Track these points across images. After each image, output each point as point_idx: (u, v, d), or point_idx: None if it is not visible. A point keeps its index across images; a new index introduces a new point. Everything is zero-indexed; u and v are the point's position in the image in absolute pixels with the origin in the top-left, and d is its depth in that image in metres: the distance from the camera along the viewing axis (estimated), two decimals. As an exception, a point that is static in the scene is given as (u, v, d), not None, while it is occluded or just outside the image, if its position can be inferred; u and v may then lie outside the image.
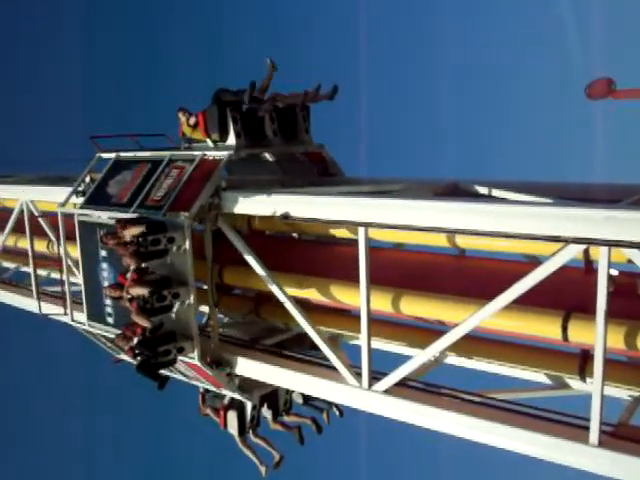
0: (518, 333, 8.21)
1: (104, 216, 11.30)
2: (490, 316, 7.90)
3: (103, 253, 11.59)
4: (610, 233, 6.75)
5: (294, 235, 12.24)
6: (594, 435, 7.23)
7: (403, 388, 9.03)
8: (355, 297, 9.16)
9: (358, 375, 9.28)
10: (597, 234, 6.84)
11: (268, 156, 12.37)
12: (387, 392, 9.03)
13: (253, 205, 10.06)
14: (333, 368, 9.55)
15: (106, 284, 11.62)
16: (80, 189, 12.43)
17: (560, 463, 7.63)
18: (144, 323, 9.92)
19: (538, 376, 9.72)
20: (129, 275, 10.22)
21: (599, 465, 7.27)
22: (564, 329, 7.78)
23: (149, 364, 10.12)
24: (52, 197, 14.03)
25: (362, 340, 9.12)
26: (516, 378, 9.86)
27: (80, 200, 12.38)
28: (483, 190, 9.51)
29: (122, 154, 12.35)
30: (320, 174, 12.20)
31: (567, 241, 7.08)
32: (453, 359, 10.55)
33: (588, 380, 8.30)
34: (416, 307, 9.28)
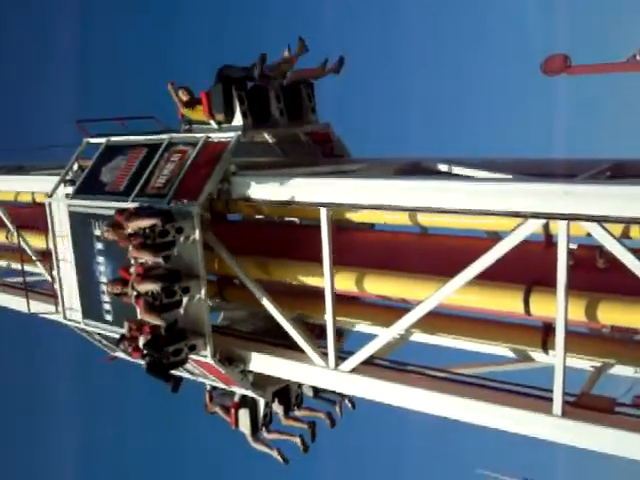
0: (482, 308, 8.26)
1: (101, 206, 10.46)
2: (453, 292, 7.95)
3: (99, 246, 10.75)
4: (568, 207, 6.84)
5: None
6: (557, 406, 7.35)
7: (370, 367, 9.12)
8: (320, 278, 9.14)
9: (325, 355, 9.28)
10: (556, 209, 6.93)
11: (268, 138, 11.65)
12: (354, 371, 9.09)
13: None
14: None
15: (103, 279, 10.83)
16: (68, 177, 11.53)
17: (525, 434, 7.79)
18: (156, 321, 9.17)
19: (503, 350, 9.60)
20: (133, 269, 9.45)
21: (563, 435, 7.44)
22: (526, 303, 7.83)
23: (160, 365, 9.39)
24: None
25: (327, 320, 9.17)
26: (481, 353, 9.84)
27: (69, 190, 11.51)
28: (444, 168, 9.53)
29: (113, 139, 11.48)
30: (326, 155, 11.51)
31: (526, 216, 7.18)
32: (419, 336, 10.33)
33: (550, 352, 8.29)
34: (381, 286, 9.29)
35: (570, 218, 6.89)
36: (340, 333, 11.29)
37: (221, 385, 10.88)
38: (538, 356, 9.15)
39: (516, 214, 7.28)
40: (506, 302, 8.10)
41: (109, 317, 10.95)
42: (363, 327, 10.81)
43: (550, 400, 7.45)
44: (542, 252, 8.01)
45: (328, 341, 9.17)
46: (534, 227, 7.28)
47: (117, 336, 10.93)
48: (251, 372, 10.32)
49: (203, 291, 9.46)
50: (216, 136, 10.05)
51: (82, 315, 11.39)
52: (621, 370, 8.60)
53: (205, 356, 9.74)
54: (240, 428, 11.25)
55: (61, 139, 13.26)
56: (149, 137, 10.98)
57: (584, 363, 8.69)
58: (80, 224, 10.97)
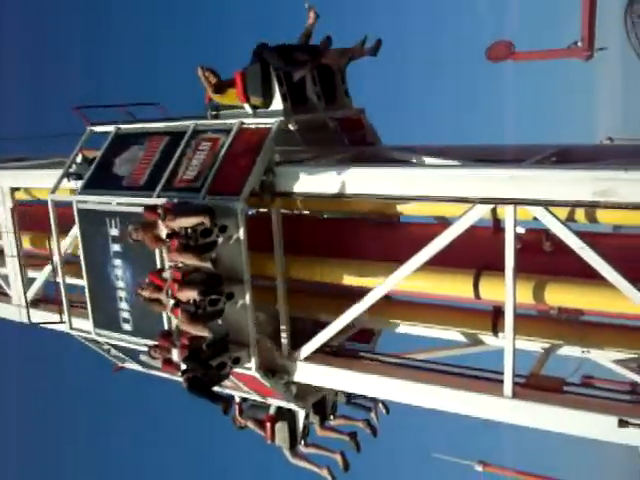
0: (433, 294, 8.32)
1: (120, 202, 9.26)
2: (404, 278, 7.97)
3: (116, 248, 9.55)
4: (515, 192, 6.99)
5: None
6: (508, 387, 7.48)
7: (323, 355, 9.09)
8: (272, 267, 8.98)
9: (278, 345, 9.13)
10: (502, 193, 7.07)
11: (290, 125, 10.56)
12: (307, 359, 9.02)
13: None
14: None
15: (121, 285, 9.64)
16: (72, 170, 10.26)
17: (478, 417, 7.95)
18: (202, 332, 8.08)
19: (454, 335, 9.49)
20: (168, 274, 8.33)
21: (514, 415, 7.58)
22: (475, 287, 7.95)
23: (202, 381, 8.31)
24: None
25: (280, 309, 9.08)
26: (434, 338, 9.80)
27: (72, 184, 10.26)
28: (393, 154, 9.34)
29: (124, 126, 10.25)
30: (355, 143, 10.50)
31: (474, 202, 7.28)
32: (372, 323, 10.05)
33: (500, 335, 8.29)
34: (333, 274, 9.16)
35: (517, 202, 7.00)
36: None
37: (256, 397, 9.86)
38: (489, 339, 9.09)
39: (464, 200, 7.37)
40: (456, 287, 8.19)
41: (128, 326, 9.76)
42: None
43: (501, 382, 7.55)
44: (490, 237, 7.99)
45: (281, 330, 9.11)
46: (482, 212, 7.37)
47: (136, 347, 9.88)
48: (295, 383, 9.35)
49: (248, 297, 8.40)
50: (252, 122, 8.96)
51: (93, 325, 10.16)
52: (569, 351, 8.60)
53: (249, 369, 8.71)
54: (277, 443, 10.25)
55: (51, 128, 11.83)
56: (168, 124, 9.81)
57: (533, 345, 8.71)
58: (91, 223, 9.73)
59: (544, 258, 7.88)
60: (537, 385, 7.80)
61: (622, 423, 6.81)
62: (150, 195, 8.99)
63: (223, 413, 9.27)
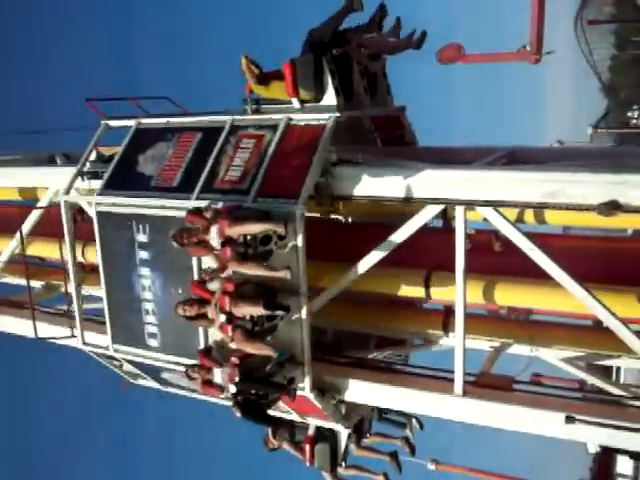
0: (384, 294, 8.25)
1: (151, 205, 8.33)
2: (356, 279, 7.92)
3: (143, 255, 8.60)
4: (465, 193, 7.09)
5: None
6: (458, 386, 7.56)
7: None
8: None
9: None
10: (453, 195, 7.16)
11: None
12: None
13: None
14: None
15: (148, 296, 8.70)
16: (87, 169, 9.25)
17: (430, 415, 8.16)
18: (266, 351, 7.26)
19: (407, 334, 9.44)
20: (217, 286, 7.47)
21: (464, 413, 7.67)
22: (426, 287, 8.07)
23: (257, 405, 7.49)
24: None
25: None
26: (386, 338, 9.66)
27: (86, 184, 9.25)
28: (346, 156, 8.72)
29: (145, 120, 9.29)
30: (390, 142, 9.81)
31: (425, 202, 7.37)
32: (326, 325, 9.47)
33: (451, 334, 8.31)
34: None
35: (467, 203, 7.09)
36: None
37: (295, 417, 9.08)
38: (440, 339, 9.02)
39: (415, 200, 7.43)
40: (408, 287, 8.23)
41: (154, 342, 8.82)
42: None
43: (452, 381, 7.60)
44: (441, 237, 7.96)
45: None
46: (433, 213, 7.45)
47: (162, 365, 8.98)
48: (344, 402, 8.61)
49: (304, 310, 7.63)
50: (300, 118, 8.18)
51: (112, 340, 9.17)
52: (518, 349, 8.62)
53: (302, 389, 7.93)
54: (317, 465, 9.47)
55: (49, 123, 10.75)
56: (200, 119, 8.91)
57: (483, 344, 8.74)
58: (114, 227, 8.76)
59: (494, 258, 8.00)
60: (487, 383, 7.88)
61: (569, 420, 6.88)
62: (188, 197, 8.09)
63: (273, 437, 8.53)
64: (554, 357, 8.46)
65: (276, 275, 7.08)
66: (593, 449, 18.94)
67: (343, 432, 9.30)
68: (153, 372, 9.49)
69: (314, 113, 8.13)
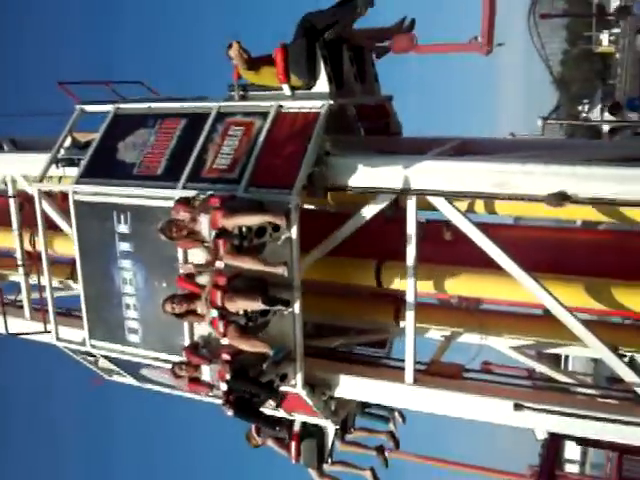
0: (336, 283, 8.17)
1: (135, 194, 7.94)
2: (307, 269, 7.72)
3: (124, 247, 8.20)
4: (416, 183, 7.15)
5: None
6: (409, 374, 7.61)
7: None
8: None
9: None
10: (404, 184, 7.20)
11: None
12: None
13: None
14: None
15: (129, 290, 8.32)
16: (61, 155, 8.78)
17: (381, 403, 8.48)
18: (263, 349, 6.97)
19: (360, 323, 9.28)
20: (207, 280, 7.15)
21: (415, 402, 7.79)
22: (377, 277, 8.08)
23: (251, 403, 7.20)
24: None
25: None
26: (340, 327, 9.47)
27: (61, 172, 8.79)
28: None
29: (123, 106, 8.85)
30: (375, 132, 9.57)
31: (376, 192, 7.39)
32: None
33: (402, 323, 8.26)
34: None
35: (418, 193, 7.13)
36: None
37: (281, 414, 8.81)
38: (392, 328, 8.98)
39: (366, 190, 7.45)
40: (359, 276, 8.26)
41: (135, 338, 8.44)
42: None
43: (403, 369, 7.64)
44: (393, 227, 7.77)
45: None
46: (384, 202, 7.43)
47: (142, 361, 8.62)
48: (335, 398, 8.39)
49: (298, 305, 7.36)
50: (292, 105, 7.89)
51: (89, 335, 8.75)
52: (469, 338, 8.71)
53: (293, 386, 7.68)
54: (304, 462, 9.22)
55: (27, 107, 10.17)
56: (183, 105, 8.53)
57: (434, 332, 8.84)
58: (92, 218, 8.33)
59: (445, 248, 8.05)
60: (437, 372, 7.98)
61: (517, 407, 6.98)
62: (174, 186, 7.73)
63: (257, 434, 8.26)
64: (504, 345, 8.54)
65: (273, 270, 6.80)
66: (541, 435, 19.36)
67: (330, 428, 9.08)
68: (132, 368, 9.10)
69: (306, 100, 7.84)
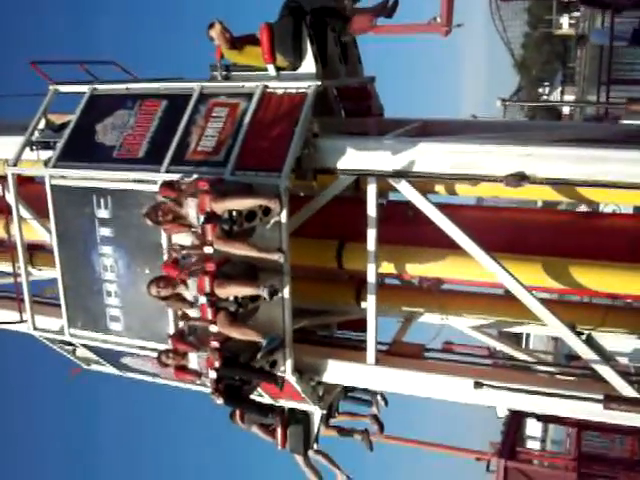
0: (297, 265, 7.80)
1: (117, 178, 7.69)
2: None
3: (105, 232, 7.95)
4: (376, 164, 7.14)
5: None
6: (371, 355, 7.70)
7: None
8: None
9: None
10: (364, 165, 7.20)
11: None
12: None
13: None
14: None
15: (110, 276, 8.08)
16: (36, 138, 8.46)
17: (343, 384, 8.54)
18: (255, 337, 6.83)
19: (322, 305, 9.08)
20: (194, 265, 6.97)
21: (377, 382, 7.95)
22: (339, 258, 8.09)
23: (241, 390, 7.07)
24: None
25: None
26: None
27: (37, 155, 8.46)
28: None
29: (100, 86, 8.55)
30: (357, 114, 9.43)
31: (337, 173, 7.36)
32: None
33: (363, 304, 8.29)
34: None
35: (378, 174, 7.15)
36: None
37: (267, 400, 8.69)
38: (355, 309, 8.91)
39: (326, 171, 7.44)
40: (319, 257, 8.24)
41: (117, 326, 8.22)
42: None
43: (365, 350, 7.72)
44: (354, 208, 7.77)
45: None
46: (344, 183, 7.48)
47: (124, 349, 8.42)
48: (322, 384, 8.31)
49: (287, 290, 7.23)
50: (277, 86, 7.70)
51: (68, 324, 8.49)
52: (430, 318, 8.80)
53: (283, 372, 7.56)
54: (290, 448, 9.12)
55: None
56: (164, 85, 8.27)
57: (396, 313, 8.88)
58: (71, 203, 8.05)
59: (406, 229, 8.03)
60: (399, 352, 8.11)
61: (477, 385, 7.03)
62: (157, 169, 7.50)
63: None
64: (464, 325, 8.61)
65: (267, 257, 6.64)
66: (502, 413, 19.71)
67: (316, 413, 9.00)
68: (112, 357, 8.88)
69: (292, 81, 7.66)
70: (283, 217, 6.98)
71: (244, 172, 7.17)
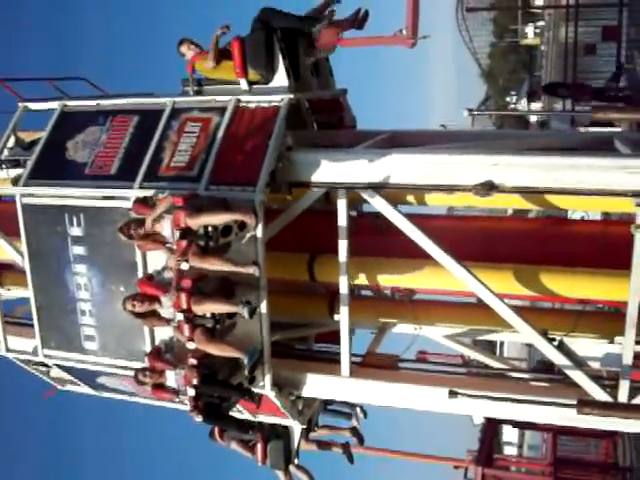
0: (270, 278, 7.69)
1: (89, 195, 7.60)
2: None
3: (78, 250, 7.84)
4: (345, 176, 7.17)
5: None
6: (345, 367, 7.70)
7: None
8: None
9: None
10: (334, 178, 7.22)
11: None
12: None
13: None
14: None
15: (85, 295, 7.97)
16: (5, 157, 8.34)
17: (319, 397, 8.51)
18: (234, 354, 6.76)
19: (295, 318, 9.04)
20: (173, 282, 6.88)
21: (353, 394, 7.93)
22: (310, 270, 8.09)
23: (220, 408, 6.99)
24: None
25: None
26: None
27: (6, 173, 8.36)
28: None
29: (70, 103, 8.46)
30: (329, 126, 9.44)
31: (309, 186, 7.41)
32: None
33: (336, 317, 8.19)
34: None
35: (347, 187, 7.16)
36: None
37: (246, 416, 8.61)
38: (328, 321, 8.82)
39: (298, 184, 7.49)
40: (291, 270, 8.24)
41: (92, 345, 8.09)
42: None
43: (339, 362, 7.73)
44: (326, 220, 7.72)
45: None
46: (315, 196, 7.49)
47: (100, 369, 8.30)
48: (301, 398, 8.26)
49: (264, 305, 7.19)
50: (250, 99, 7.68)
51: (42, 345, 8.34)
52: (403, 329, 8.79)
53: (261, 387, 7.50)
54: (270, 464, 9.04)
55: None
56: (134, 100, 8.21)
57: (369, 324, 8.89)
58: (42, 221, 7.93)
59: (378, 240, 8.01)
60: (373, 363, 8.14)
61: (452, 394, 7.05)
62: (130, 186, 7.43)
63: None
64: (438, 335, 8.61)
65: (243, 271, 6.60)
66: (478, 421, 19.85)
67: (296, 428, 8.95)
68: (88, 377, 8.75)
69: (265, 95, 7.65)
70: (259, 231, 6.95)
71: (218, 187, 7.13)
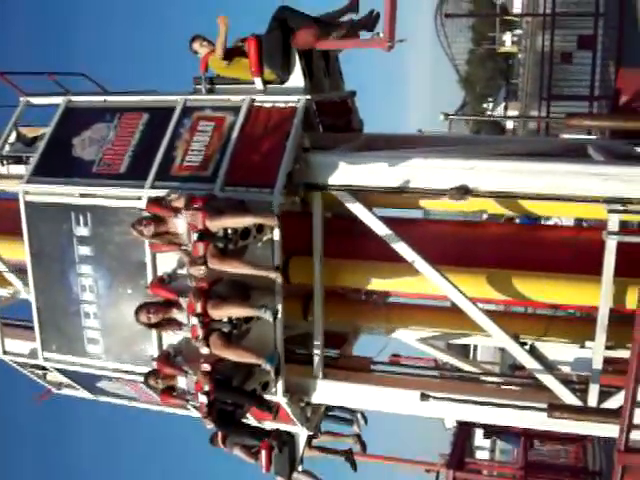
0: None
1: (99, 194, 7.35)
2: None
3: (84, 251, 7.59)
4: (321, 178, 7.14)
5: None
6: (318, 369, 7.68)
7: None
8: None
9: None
10: (311, 180, 7.18)
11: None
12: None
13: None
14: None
15: (90, 297, 7.71)
16: (6, 153, 8.05)
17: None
18: (252, 360, 6.56)
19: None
20: (191, 284, 6.68)
21: (326, 396, 7.81)
22: (285, 272, 7.73)
23: (234, 415, 6.79)
24: None
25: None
26: None
27: (7, 170, 8.07)
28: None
29: (75, 98, 8.19)
30: (335, 129, 9.29)
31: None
32: None
33: (310, 319, 8.07)
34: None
35: (323, 189, 7.15)
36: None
37: (251, 421, 8.41)
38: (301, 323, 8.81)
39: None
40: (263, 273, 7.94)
41: (96, 348, 7.83)
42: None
43: (312, 364, 7.70)
44: (300, 222, 7.66)
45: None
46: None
47: (103, 373, 8.06)
48: (311, 405, 8.09)
49: (280, 308, 7.00)
50: (265, 99, 7.51)
51: (42, 347, 8.06)
52: (377, 331, 8.76)
53: (274, 394, 7.31)
54: (275, 472, 8.84)
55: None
56: (144, 98, 7.99)
57: (343, 326, 8.82)
58: (46, 220, 7.66)
59: (353, 242, 7.91)
60: (346, 365, 8.18)
61: (424, 397, 7.06)
62: (141, 185, 7.20)
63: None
64: (411, 338, 8.55)
65: (263, 274, 6.42)
66: (450, 424, 19.89)
67: (302, 435, 8.78)
68: (87, 381, 8.49)
69: (281, 95, 7.48)
70: (276, 234, 6.78)
71: (234, 188, 6.94)
